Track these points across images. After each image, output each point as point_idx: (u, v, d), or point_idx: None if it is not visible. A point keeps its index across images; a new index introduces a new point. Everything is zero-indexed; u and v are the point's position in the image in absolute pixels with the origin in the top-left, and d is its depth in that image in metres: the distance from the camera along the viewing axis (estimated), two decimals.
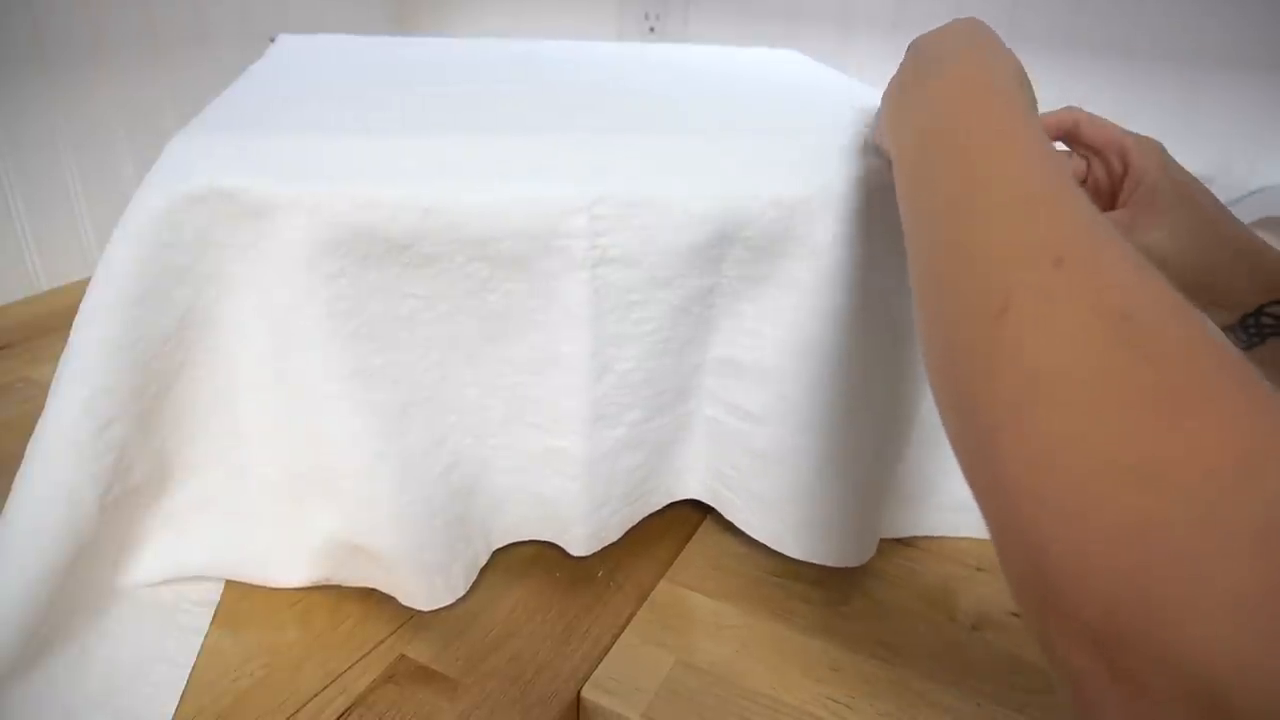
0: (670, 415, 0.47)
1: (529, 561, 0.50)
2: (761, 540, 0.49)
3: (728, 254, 0.43)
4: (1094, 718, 0.19)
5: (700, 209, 0.41)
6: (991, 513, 0.22)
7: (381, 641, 0.44)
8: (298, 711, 0.40)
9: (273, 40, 0.67)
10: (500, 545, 0.49)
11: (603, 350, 0.42)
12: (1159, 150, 0.45)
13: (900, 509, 0.52)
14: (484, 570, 0.48)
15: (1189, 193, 0.44)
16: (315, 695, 0.41)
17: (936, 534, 0.54)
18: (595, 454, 0.45)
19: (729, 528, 0.52)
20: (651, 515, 0.51)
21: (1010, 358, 0.22)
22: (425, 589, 0.44)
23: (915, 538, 0.54)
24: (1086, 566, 0.19)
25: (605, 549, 0.49)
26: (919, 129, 0.33)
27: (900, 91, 0.37)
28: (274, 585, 0.46)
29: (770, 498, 0.48)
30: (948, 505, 0.53)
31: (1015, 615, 0.48)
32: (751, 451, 0.47)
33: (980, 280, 0.24)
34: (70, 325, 0.38)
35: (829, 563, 0.48)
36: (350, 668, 0.43)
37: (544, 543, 0.50)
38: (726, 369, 0.46)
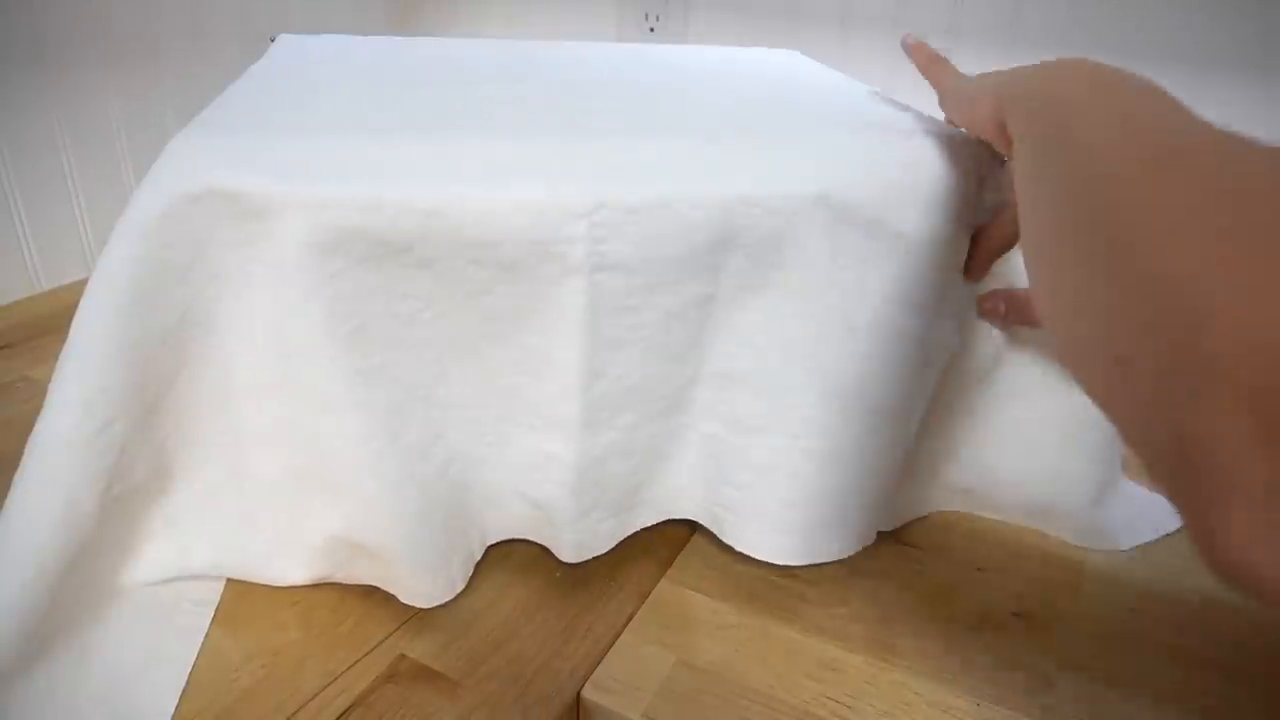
0: (663, 424, 0.46)
1: (529, 562, 0.50)
2: (763, 557, 0.48)
3: (726, 263, 0.43)
4: (1227, 498, 0.20)
5: (700, 217, 0.41)
6: (1133, 318, 0.24)
7: (382, 641, 0.44)
8: (298, 711, 0.40)
9: (273, 40, 0.67)
10: (494, 541, 0.49)
11: (597, 354, 0.42)
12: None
13: (900, 494, 0.52)
14: (485, 570, 0.48)
15: None
16: (315, 695, 0.41)
17: (935, 510, 0.56)
18: (586, 460, 0.44)
19: None
20: None
21: (1183, 181, 0.24)
22: (425, 586, 0.44)
23: (916, 538, 0.54)
24: (1251, 325, 0.20)
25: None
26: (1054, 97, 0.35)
27: (1021, 78, 0.38)
28: (275, 584, 0.46)
29: (772, 510, 0.47)
30: (948, 488, 0.54)
31: (1015, 615, 0.48)
32: (752, 465, 0.47)
33: (1158, 135, 0.27)
34: (70, 325, 0.38)
35: (827, 559, 0.48)
36: (351, 667, 0.43)
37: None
38: (724, 381, 0.46)
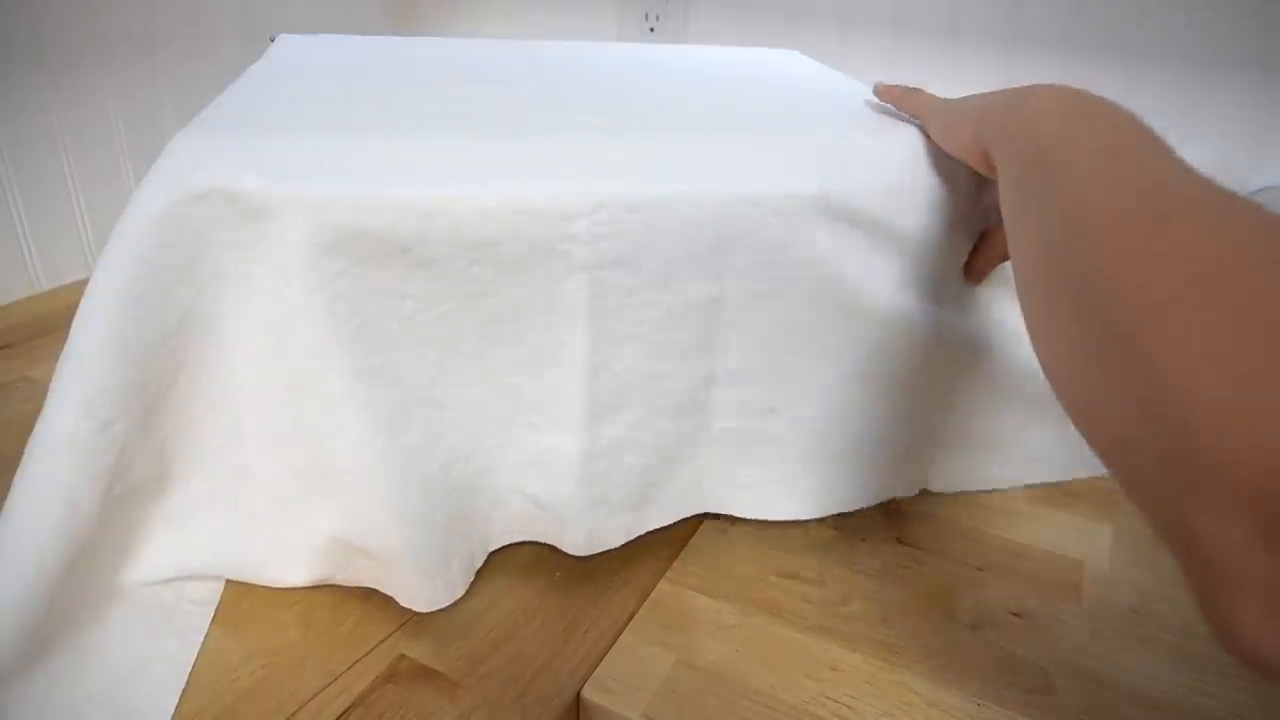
0: (676, 425, 0.47)
1: (529, 562, 0.50)
2: (778, 517, 0.50)
3: (729, 263, 0.43)
4: (1233, 593, 0.20)
5: (701, 216, 0.41)
6: (1129, 404, 0.23)
7: (382, 641, 0.44)
8: (298, 711, 0.40)
9: (273, 40, 0.67)
10: (498, 546, 0.49)
11: (600, 349, 0.42)
12: None
13: (963, 462, 0.54)
14: (484, 570, 0.48)
15: None
16: (315, 695, 0.41)
17: (1001, 486, 0.57)
18: (590, 453, 0.45)
19: (729, 527, 0.52)
20: None
21: (1171, 256, 0.24)
22: (425, 589, 0.44)
23: (915, 538, 0.54)
24: (1246, 428, 0.20)
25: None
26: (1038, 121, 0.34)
27: (1001, 105, 0.38)
28: (274, 584, 0.46)
29: (791, 477, 0.49)
30: (1015, 461, 0.56)
31: (1015, 615, 0.48)
32: (769, 438, 0.48)
33: (1143, 193, 0.26)
34: (70, 325, 0.38)
35: (843, 509, 0.51)
36: (350, 668, 0.43)
37: (544, 544, 0.50)
38: (735, 380, 0.47)
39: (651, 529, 0.50)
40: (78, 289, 0.38)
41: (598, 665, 0.43)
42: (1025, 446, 0.55)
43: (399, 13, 1.26)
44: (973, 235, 0.47)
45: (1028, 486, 0.57)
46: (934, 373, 0.49)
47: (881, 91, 0.52)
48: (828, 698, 0.42)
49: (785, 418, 0.48)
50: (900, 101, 0.50)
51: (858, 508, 0.51)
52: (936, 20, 0.93)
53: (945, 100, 0.45)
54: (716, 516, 0.53)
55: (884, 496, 0.53)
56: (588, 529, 0.47)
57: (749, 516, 0.51)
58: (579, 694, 0.42)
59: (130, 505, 0.42)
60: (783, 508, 0.50)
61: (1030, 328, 0.31)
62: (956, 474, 0.56)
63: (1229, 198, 0.25)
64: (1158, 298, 0.23)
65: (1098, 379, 0.25)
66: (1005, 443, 0.55)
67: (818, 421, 0.48)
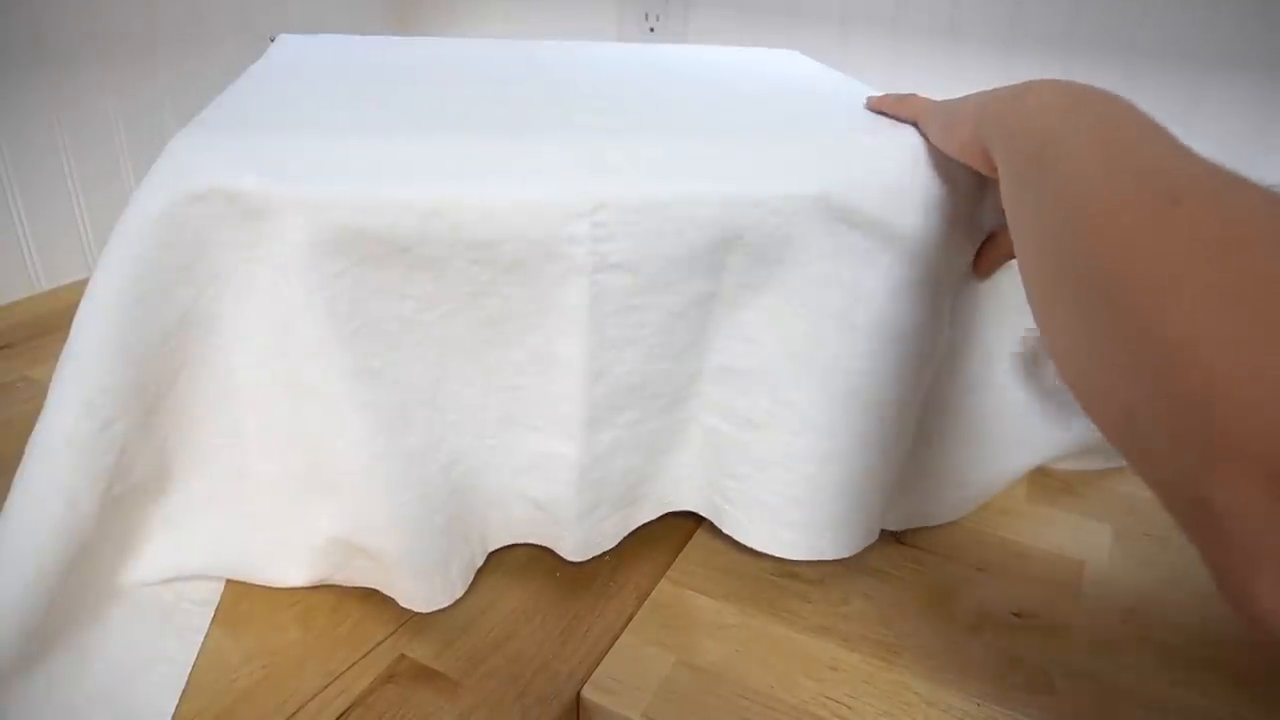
0: (666, 419, 0.47)
1: (529, 562, 0.50)
2: (761, 548, 0.49)
3: (728, 261, 0.43)
4: (1254, 564, 0.20)
5: (701, 216, 0.41)
6: (1141, 381, 0.23)
7: (381, 641, 0.44)
8: (298, 711, 0.40)
9: (273, 40, 0.67)
10: (497, 547, 0.49)
11: (601, 354, 0.42)
12: None
13: (924, 498, 0.53)
14: (484, 571, 0.48)
15: None
16: (315, 695, 0.41)
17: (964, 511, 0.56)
18: (589, 457, 0.44)
19: None
20: None
21: (1181, 234, 0.24)
22: (424, 590, 0.44)
23: (915, 538, 0.54)
24: (1264, 398, 0.20)
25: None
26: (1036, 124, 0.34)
27: (999, 103, 0.38)
28: (274, 585, 0.46)
29: (772, 504, 0.47)
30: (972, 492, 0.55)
31: (1015, 615, 0.48)
32: (752, 459, 0.47)
33: (1149, 178, 0.26)
34: (70, 325, 0.38)
35: (830, 556, 0.48)
36: (350, 668, 0.43)
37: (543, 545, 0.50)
38: (726, 376, 0.46)
39: (641, 524, 0.50)
40: (78, 289, 0.38)
41: (598, 665, 0.43)
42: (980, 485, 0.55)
43: (399, 13, 1.26)
44: (973, 235, 0.47)
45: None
46: (916, 401, 0.48)
47: (874, 104, 0.52)
48: (827, 697, 0.42)
49: (776, 439, 0.46)
50: (895, 109, 0.50)
51: (844, 555, 0.49)
52: (936, 20, 0.93)
53: (941, 102, 0.45)
54: None
55: (869, 540, 0.50)
56: (585, 533, 0.47)
57: (726, 531, 0.50)
58: (579, 694, 0.42)
59: (130, 505, 0.42)
60: (756, 535, 0.49)
61: (1038, 320, 0.31)
62: (915, 510, 0.54)
63: (1235, 178, 0.24)
64: (1170, 273, 0.23)
65: (1107, 360, 0.25)
66: (967, 481, 0.54)
67: (811, 451, 0.46)
